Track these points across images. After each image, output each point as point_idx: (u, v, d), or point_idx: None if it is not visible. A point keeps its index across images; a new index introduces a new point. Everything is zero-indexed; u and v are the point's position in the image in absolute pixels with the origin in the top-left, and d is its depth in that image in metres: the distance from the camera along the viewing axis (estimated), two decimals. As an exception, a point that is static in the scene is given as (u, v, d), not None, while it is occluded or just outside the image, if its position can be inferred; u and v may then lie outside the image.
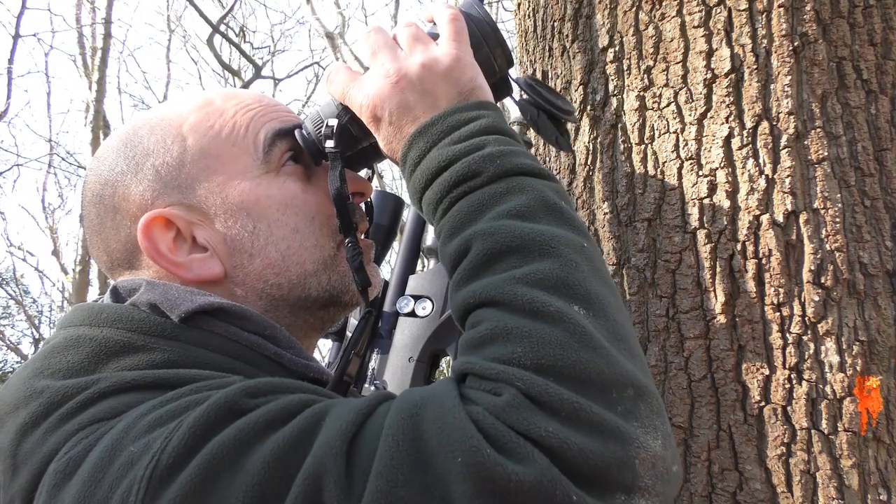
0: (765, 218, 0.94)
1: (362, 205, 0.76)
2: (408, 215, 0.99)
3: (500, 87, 0.78)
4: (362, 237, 0.74)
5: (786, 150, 0.95)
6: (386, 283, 0.94)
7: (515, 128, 0.94)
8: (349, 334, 0.93)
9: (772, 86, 0.97)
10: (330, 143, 0.68)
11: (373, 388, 0.87)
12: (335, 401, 0.52)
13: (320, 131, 0.69)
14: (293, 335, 0.68)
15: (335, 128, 0.68)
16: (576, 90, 1.11)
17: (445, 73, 0.63)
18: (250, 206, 0.66)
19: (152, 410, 0.50)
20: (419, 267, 0.98)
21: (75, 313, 0.63)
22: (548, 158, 1.17)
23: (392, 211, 0.97)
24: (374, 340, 0.90)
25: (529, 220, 0.56)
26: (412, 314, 0.89)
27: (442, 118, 0.62)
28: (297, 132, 0.70)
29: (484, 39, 0.72)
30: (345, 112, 0.69)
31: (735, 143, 0.97)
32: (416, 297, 0.90)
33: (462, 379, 0.51)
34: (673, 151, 1.00)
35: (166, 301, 0.61)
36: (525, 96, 0.81)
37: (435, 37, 0.69)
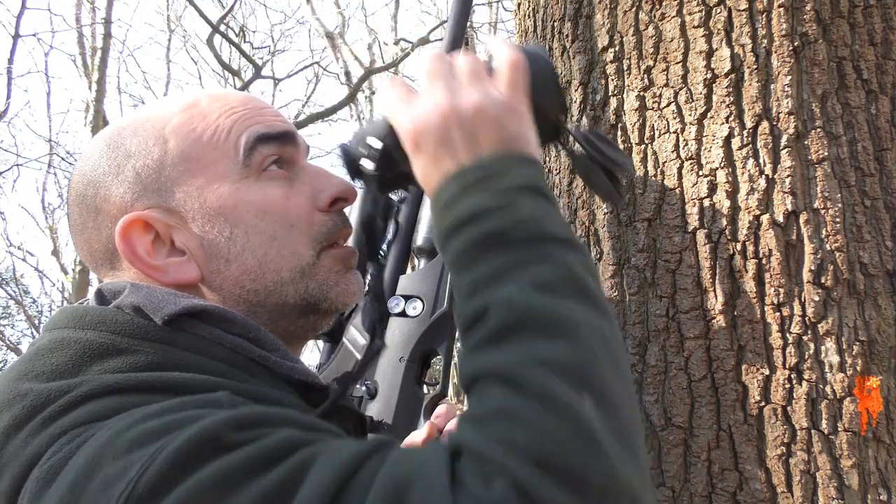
0: (765, 218, 0.94)
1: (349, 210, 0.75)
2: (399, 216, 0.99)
3: (549, 132, 0.74)
4: (346, 243, 0.72)
5: (786, 150, 0.95)
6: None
7: None
8: (345, 340, 0.93)
9: (772, 86, 0.97)
10: (368, 165, 0.66)
11: (364, 388, 0.87)
12: (324, 445, 0.50)
13: (362, 148, 0.67)
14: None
15: (378, 150, 0.65)
16: (576, 90, 1.11)
17: (496, 118, 0.60)
18: (228, 211, 0.65)
19: (134, 426, 0.49)
20: (410, 268, 0.98)
21: (60, 316, 0.64)
22: (548, 158, 1.17)
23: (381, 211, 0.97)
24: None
25: (553, 295, 0.53)
26: (403, 314, 0.89)
27: (481, 165, 0.59)
28: (340, 145, 0.69)
29: (543, 87, 0.68)
30: (392, 135, 0.65)
31: (735, 143, 0.97)
32: (407, 298, 0.90)
33: (457, 453, 0.48)
34: (673, 151, 1.00)
35: (149, 304, 0.60)
36: (580, 149, 0.77)
37: (492, 72, 0.65)
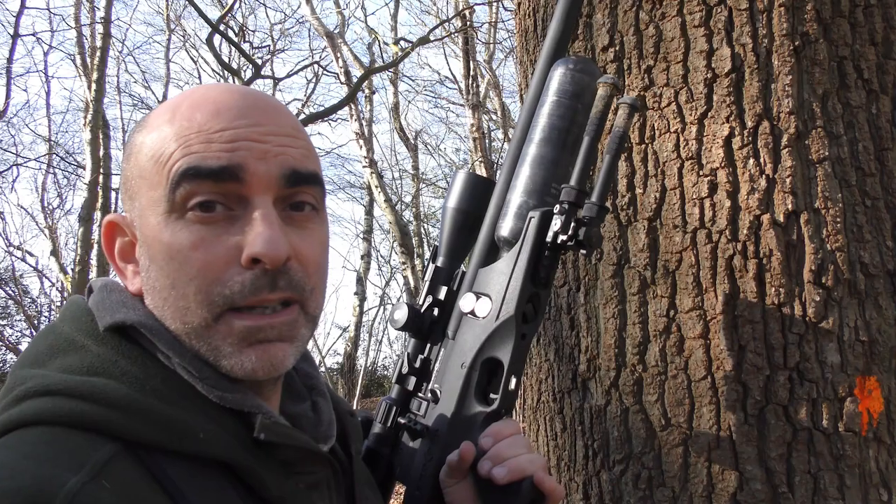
0: (765, 218, 0.94)
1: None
2: (492, 201, 0.89)
3: None
4: (280, 303, 0.61)
5: (786, 149, 0.95)
6: (464, 275, 0.88)
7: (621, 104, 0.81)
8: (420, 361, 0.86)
9: (772, 85, 0.97)
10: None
11: (430, 393, 0.82)
12: None
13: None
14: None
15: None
16: (576, 90, 1.10)
17: None
18: (149, 243, 0.61)
19: None
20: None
21: (64, 305, 0.67)
22: (548, 158, 1.17)
23: (480, 196, 0.88)
24: (441, 338, 0.85)
25: None
26: (472, 314, 0.82)
27: None
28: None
29: None
30: None
31: (736, 142, 0.96)
32: (479, 295, 0.82)
33: None
34: (673, 151, 1.00)
35: (98, 310, 0.62)
36: None
37: None
